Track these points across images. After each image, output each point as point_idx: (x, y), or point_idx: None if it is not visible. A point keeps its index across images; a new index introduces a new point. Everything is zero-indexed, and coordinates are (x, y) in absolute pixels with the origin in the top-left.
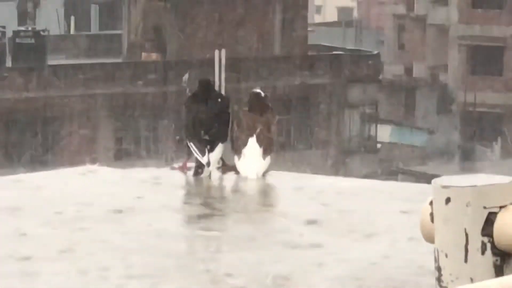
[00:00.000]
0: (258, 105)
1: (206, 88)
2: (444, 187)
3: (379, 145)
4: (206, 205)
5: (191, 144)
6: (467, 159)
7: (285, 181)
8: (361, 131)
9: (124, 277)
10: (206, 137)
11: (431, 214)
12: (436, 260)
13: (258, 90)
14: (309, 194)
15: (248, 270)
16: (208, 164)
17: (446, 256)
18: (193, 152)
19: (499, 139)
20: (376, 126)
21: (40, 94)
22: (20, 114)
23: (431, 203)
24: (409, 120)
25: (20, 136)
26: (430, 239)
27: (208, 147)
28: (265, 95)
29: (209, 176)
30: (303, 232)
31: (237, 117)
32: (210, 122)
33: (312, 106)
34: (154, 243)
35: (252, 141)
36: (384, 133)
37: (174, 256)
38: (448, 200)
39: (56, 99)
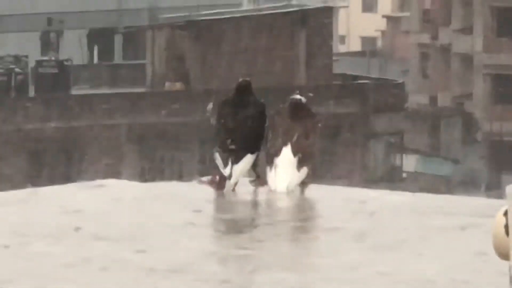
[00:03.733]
0: (297, 111)
1: (241, 93)
2: None
3: (404, 175)
4: (237, 221)
5: (216, 154)
6: (493, 189)
7: (324, 195)
8: (386, 160)
9: None
10: (232, 147)
11: (506, 226)
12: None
13: (299, 96)
14: (352, 208)
15: None
16: (230, 176)
17: None
18: (217, 163)
19: None
20: (401, 156)
21: (63, 124)
22: (42, 144)
23: (505, 213)
24: (434, 149)
25: (42, 167)
26: (504, 255)
27: (233, 157)
28: (307, 102)
29: (233, 189)
30: (349, 250)
31: (273, 124)
32: (238, 131)
33: (337, 135)
34: (183, 263)
35: (287, 150)
36: (410, 162)
37: (206, 279)
38: None
39: (79, 129)
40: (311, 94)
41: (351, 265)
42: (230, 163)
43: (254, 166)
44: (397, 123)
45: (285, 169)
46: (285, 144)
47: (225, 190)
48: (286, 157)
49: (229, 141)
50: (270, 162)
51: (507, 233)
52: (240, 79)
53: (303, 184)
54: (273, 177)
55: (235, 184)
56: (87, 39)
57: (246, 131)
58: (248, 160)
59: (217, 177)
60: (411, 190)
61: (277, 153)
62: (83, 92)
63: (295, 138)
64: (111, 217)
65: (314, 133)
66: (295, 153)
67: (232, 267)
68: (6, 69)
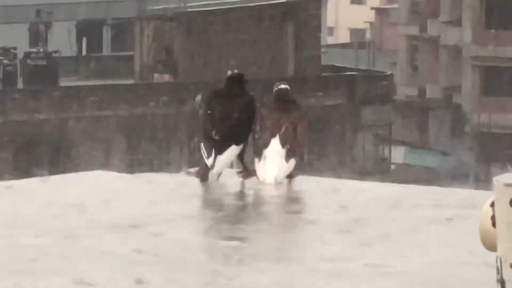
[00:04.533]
0: (284, 102)
1: (232, 85)
2: (509, 185)
3: (392, 166)
4: (225, 213)
5: (201, 144)
6: (482, 181)
7: (313, 186)
8: (375, 152)
9: None
10: (216, 137)
11: (493, 218)
12: (499, 271)
13: (285, 86)
14: (340, 200)
15: (275, 286)
16: (212, 166)
17: (511, 266)
18: (202, 153)
19: None
20: (390, 147)
21: (52, 116)
22: (30, 136)
23: (492, 204)
24: (422, 141)
25: (30, 158)
26: (491, 246)
27: (217, 148)
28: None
29: (217, 180)
30: (336, 242)
31: (260, 115)
32: (223, 121)
33: (325, 127)
34: (169, 256)
35: (275, 142)
36: (398, 154)
37: (192, 270)
38: None
39: (67, 121)
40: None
41: (338, 257)
42: (213, 154)
43: (241, 157)
44: (385, 115)
45: (273, 160)
46: (273, 135)
47: (208, 181)
48: (274, 149)
49: (213, 131)
50: (258, 153)
51: (494, 224)
52: (235, 71)
53: (291, 175)
54: (262, 168)
55: (219, 175)
56: (76, 31)
57: (232, 122)
58: (232, 151)
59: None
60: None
61: (265, 144)
62: (71, 84)
63: (283, 129)
64: (97, 209)
65: (302, 124)
66: (283, 144)
67: (219, 259)
68: None
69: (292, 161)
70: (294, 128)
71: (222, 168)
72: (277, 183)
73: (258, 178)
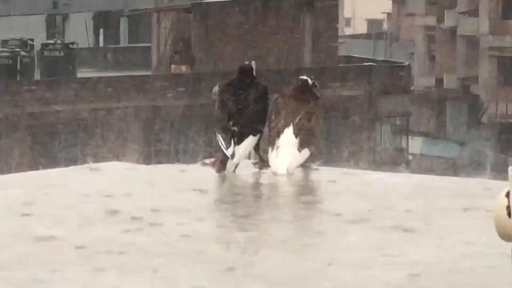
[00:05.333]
0: (302, 92)
1: (243, 76)
2: None
3: (410, 157)
4: (240, 203)
5: (218, 135)
6: (499, 171)
7: (328, 176)
8: (392, 143)
9: (153, 284)
10: (234, 128)
11: (508, 208)
12: None
13: (306, 77)
14: (357, 190)
15: (291, 276)
16: (233, 156)
17: None
18: (220, 144)
19: None
20: (407, 138)
21: (69, 107)
22: (48, 127)
23: (507, 194)
24: (440, 131)
25: (47, 150)
26: (506, 236)
27: (235, 139)
28: (314, 83)
29: (234, 171)
30: (352, 232)
31: (276, 104)
32: (239, 113)
33: (342, 117)
34: (183, 246)
35: (289, 131)
36: (415, 145)
37: (209, 261)
38: None
39: (84, 112)
40: (316, 84)
41: (354, 247)
42: (232, 144)
43: (257, 148)
44: (403, 105)
45: (286, 150)
46: (287, 125)
47: (226, 171)
48: (288, 138)
49: (231, 122)
50: (272, 143)
51: (509, 214)
52: (246, 62)
53: (306, 165)
54: (275, 158)
55: (236, 165)
56: (93, 22)
57: (248, 113)
58: (250, 141)
59: (219, 159)
60: (416, 172)
61: (279, 134)
62: (88, 75)
63: (297, 119)
64: (114, 200)
65: (317, 115)
66: (297, 134)
67: (235, 249)
68: (11, 52)
69: (306, 151)
70: (309, 118)
71: (241, 158)
72: (289, 173)
73: (271, 168)
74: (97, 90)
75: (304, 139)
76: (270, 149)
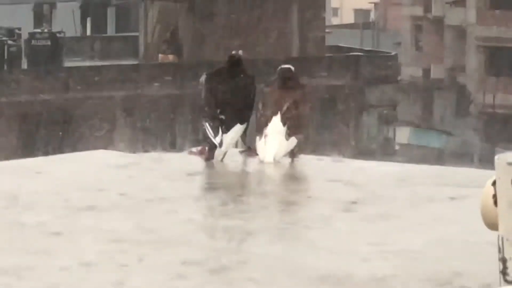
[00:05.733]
0: (287, 81)
1: (231, 65)
2: (511, 164)
3: (397, 147)
4: (226, 191)
5: (206, 124)
6: (486, 161)
7: (315, 165)
8: (379, 132)
9: (138, 273)
10: (222, 117)
11: (494, 197)
12: (500, 250)
13: (289, 66)
14: (343, 178)
15: (279, 264)
16: (221, 144)
17: None
18: (207, 132)
19: None
20: (394, 128)
21: (56, 96)
22: (35, 116)
23: (494, 183)
24: (427, 121)
25: (35, 139)
26: (492, 225)
27: (223, 127)
28: (296, 72)
29: (222, 159)
30: (338, 220)
31: (263, 94)
32: (227, 101)
33: (329, 107)
34: (171, 234)
35: (276, 120)
36: (402, 134)
37: (195, 250)
38: None
39: (72, 101)
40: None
41: (340, 235)
42: (220, 132)
43: (244, 136)
44: (390, 95)
45: (274, 138)
46: (275, 114)
47: (214, 159)
48: (275, 127)
49: (218, 111)
50: (259, 131)
51: (495, 203)
52: (233, 52)
53: (293, 154)
54: (262, 146)
55: (224, 154)
56: (80, 12)
57: (235, 101)
58: (237, 130)
59: (206, 148)
60: (403, 162)
61: (266, 122)
62: (76, 64)
63: (285, 107)
64: (100, 188)
65: (304, 103)
66: (284, 122)
67: (221, 237)
68: None
69: (293, 140)
70: (296, 107)
71: (228, 147)
72: (277, 162)
73: (259, 157)
74: (85, 79)
75: (292, 127)
76: (258, 137)
